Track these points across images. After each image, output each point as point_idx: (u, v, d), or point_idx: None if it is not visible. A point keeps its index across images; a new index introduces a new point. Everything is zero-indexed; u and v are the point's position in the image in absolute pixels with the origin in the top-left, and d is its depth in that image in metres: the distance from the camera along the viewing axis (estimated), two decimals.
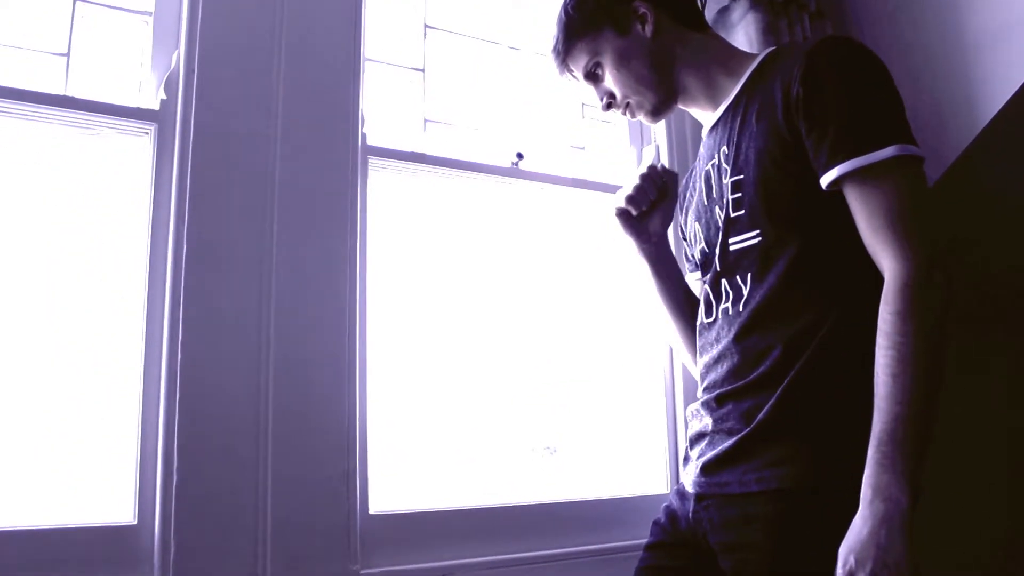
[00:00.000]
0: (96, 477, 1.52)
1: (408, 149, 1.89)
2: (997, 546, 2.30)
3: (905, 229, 1.16)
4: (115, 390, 1.55)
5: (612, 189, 2.14)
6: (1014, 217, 2.28)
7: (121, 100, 1.62)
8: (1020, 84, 1.96)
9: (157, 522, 1.47)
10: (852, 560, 1.09)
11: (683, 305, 1.61)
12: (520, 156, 2.02)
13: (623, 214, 1.60)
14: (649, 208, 1.59)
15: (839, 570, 1.10)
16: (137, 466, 1.50)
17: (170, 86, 1.64)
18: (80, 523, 1.45)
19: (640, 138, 2.25)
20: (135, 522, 1.48)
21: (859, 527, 1.10)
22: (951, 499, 2.04)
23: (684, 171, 1.71)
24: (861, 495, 1.11)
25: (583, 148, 2.20)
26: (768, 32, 2.12)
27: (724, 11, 2.21)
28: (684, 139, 2.20)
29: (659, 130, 2.21)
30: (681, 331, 1.60)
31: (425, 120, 1.97)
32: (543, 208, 2.09)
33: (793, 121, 1.25)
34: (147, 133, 1.63)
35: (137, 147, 1.64)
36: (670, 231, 1.65)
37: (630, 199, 1.57)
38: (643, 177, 1.57)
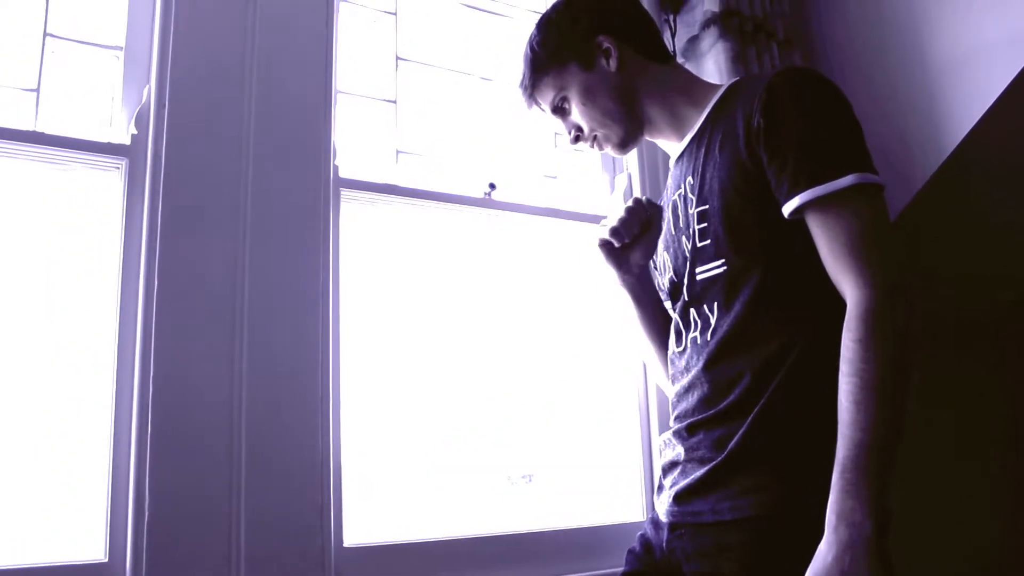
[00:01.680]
0: (66, 513, 1.50)
1: (380, 181, 1.89)
2: (973, 565, 2.32)
3: (866, 256, 1.18)
4: (85, 425, 1.54)
5: (585, 218, 2.16)
6: (981, 242, 2.32)
7: (92, 135, 1.62)
8: (984, 111, 1.99)
9: (129, 559, 1.45)
10: None
11: (664, 334, 1.60)
12: (492, 186, 2.03)
13: (606, 245, 1.57)
14: (632, 241, 1.55)
15: None
16: (108, 502, 1.49)
17: (141, 121, 1.64)
18: (49, 562, 1.43)
19: (613, 167, 2.27)
20: (106, 559, 1.46)
21: (824, 553, 1.11)
22: (927, 520, 2.06)
23: (656, 200, 1.71)
24: (826, 522, 1.12)
25: (556, 177, 2.22)
26: (737, 60, 2.15)
27: (694, 40, 2.24)
28: (656, 168, 2.22)
29: (631, 159, 2.22)
30: (662, 360, 1.60)
31: (397, 151, 1.98)
32: (516, 237, 2.10)
33: (755, 151, 1.27)
34: (118, 168, 1.63)
35: (108, 182, 1.63)
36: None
37: (613, 231, 1.54)
38: (628, 210, 1.53)
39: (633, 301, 1.62)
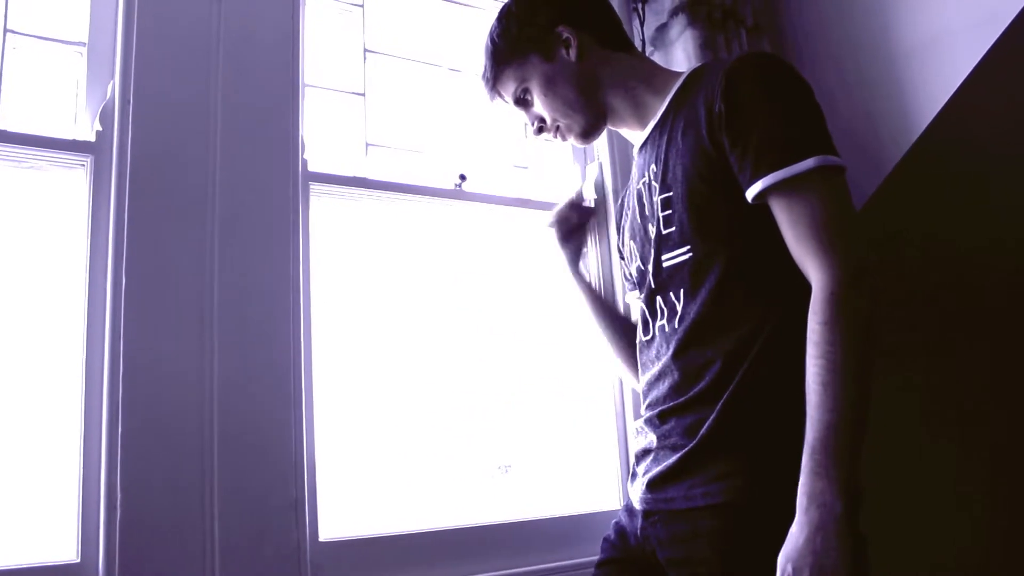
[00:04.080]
0: (37, 514, 1.49)
1: (350, 174, 1.89)
2: (949, 547, 2.34)
3: (829, 239, 1.19)
4: (55, 424, 1.53)
5: None
6: (951, 225, 2.33)
7: (56, 132, 1.61)
8: (951, 94, 2.00)
9: (101, 559, 1.44)
10: (789, 568, 1.11)
11: (611, 318, 1.71)
12: (463, 177, 2.03)
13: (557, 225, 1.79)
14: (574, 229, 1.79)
15: None
16: (79, 501, 1.48)
17: (106, 117, 1.62)
18: (19, 564, 1.42)
19: (584, 155, 2.27)
20: (78, 560, 1.45)
21: (796, 535, 1.12)
22: (899, 502, 2.07)
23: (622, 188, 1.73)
24: (797, 503, 1.13)
25: (526, 167, 2.21)
26: (706, 48, 2.15)
27: (662, 28, 2.24)
28: (627, 157, 2.21)
29: (602, 148, 2.22)
30: (614, 344, 1.67)
31: (367, 144, 1.97)
32: (488, 228, 2.10)
33: (717, 137, 1.27)
34: (83, 165, 1.61)
35: (73, 179, 1.62)
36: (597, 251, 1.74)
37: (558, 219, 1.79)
38: (569, 203, 1.81)
39: (580, 287, 1.76)
